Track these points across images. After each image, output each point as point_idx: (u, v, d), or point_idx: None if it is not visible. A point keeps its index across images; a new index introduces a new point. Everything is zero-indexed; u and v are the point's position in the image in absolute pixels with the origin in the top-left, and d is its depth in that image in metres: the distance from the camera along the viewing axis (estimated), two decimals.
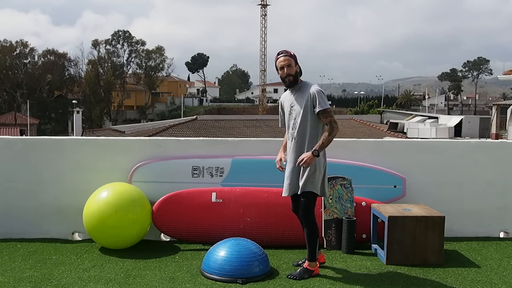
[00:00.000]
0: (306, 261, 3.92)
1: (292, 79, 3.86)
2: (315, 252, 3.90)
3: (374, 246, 4.57)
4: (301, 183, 3.79)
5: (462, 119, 28.06)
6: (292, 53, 3.88)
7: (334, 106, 78.28)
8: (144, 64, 68.97)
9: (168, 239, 4.98)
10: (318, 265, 3.95)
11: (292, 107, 3.90)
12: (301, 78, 3.97)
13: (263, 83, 70.90)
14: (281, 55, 3.88)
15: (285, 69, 3.84)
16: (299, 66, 3.90)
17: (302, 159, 3.73)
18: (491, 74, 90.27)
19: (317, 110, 3.77)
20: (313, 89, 3.80)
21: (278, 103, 4.13)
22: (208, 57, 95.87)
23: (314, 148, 3.74)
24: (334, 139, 3.82)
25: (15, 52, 60.26)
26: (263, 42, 69.56)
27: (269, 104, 75.29)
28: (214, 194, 4.72)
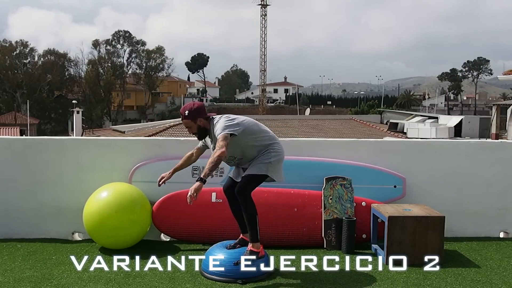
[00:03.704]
0: (250, 243, 3.90)
1: (198, 135, 3.96)
2: (256, 234, 3.89)
3: (374, 246, 4.57)
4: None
5: (462, 119, 27.99)
6: (187, 112, 3.86)
7: (334, 106, 78.31)
8: (144, 64, 68.99)
9: (168, 239, 4.98)
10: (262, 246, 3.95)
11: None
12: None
13: (263, 83, 70.92)
14: (181, 118, 3.95)
15: (188, 130, 3.96)
16: (202, 118, 3.88)
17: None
18: (491, 74, 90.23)
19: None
20: (217, 132, 3.77)
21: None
22: (208, 57, 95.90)
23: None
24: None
25: (15, 52, 60.25)
26: (263, 42, 69.67)
27: (269, 104, 75.33)
28: (214, 194, 4.73)
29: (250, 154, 3.91)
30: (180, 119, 3.97)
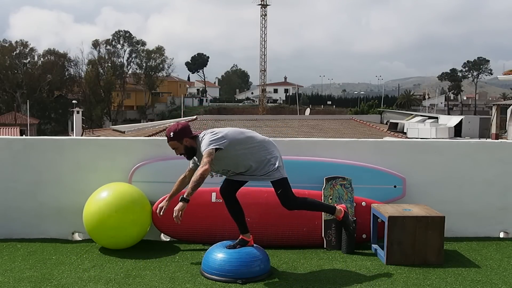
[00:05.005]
0: (336, 216, 4.26)
1: (187, 155, 3.95)
2: (329, 207, 4.29)
3: (374, 246, 4.57)
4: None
5: (462, 119, 27.97)
6: (172, 134, 3.88)
7: (334, 106, 78.35)
8: (144, 64, 69.02)
9: (168, 239, 4.98)
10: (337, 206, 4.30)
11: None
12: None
13: (263, 83, 70.96)
14: (167, 140, 3.97)
15: (175, 151, 3.97)
16: (187, 138, 3.89)
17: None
18: (491, 74, 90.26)
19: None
20: (202, 148, 3.79)
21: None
22: (208, 57, 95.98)
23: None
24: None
25: (15, 52, 60.28)
26: (263, 42, 69.75)
27: (269, 104, 75.37)
28: (214, 194, 4.73)
29: (244, 163, 3.88)
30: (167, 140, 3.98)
